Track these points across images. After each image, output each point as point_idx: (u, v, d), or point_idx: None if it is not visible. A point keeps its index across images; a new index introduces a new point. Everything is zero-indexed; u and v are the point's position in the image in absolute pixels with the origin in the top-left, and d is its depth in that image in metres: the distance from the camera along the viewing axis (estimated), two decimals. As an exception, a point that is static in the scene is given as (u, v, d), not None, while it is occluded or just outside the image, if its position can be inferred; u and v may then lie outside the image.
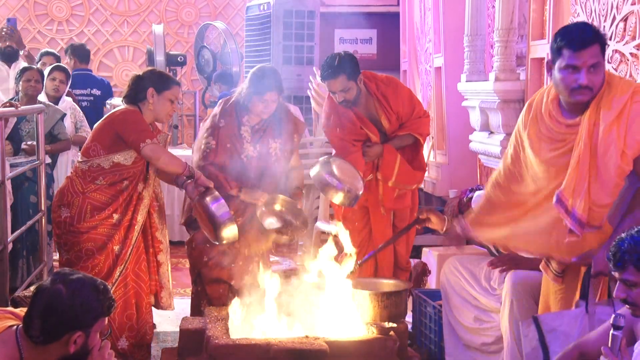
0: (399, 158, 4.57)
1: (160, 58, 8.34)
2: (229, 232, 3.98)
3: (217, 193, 3.99)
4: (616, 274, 2.52)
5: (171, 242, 7.43)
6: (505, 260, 3.67)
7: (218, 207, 3.95)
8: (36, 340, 2.42)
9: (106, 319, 2.51)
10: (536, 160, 3.01)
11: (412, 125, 4.61)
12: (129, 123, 3.98)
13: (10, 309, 2.66)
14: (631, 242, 2.46)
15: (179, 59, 8.82)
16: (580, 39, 2.83)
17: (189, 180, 3.99)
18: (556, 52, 2.89)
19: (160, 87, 4.06)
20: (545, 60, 3.00)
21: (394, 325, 3.61)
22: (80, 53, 7.62)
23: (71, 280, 2.45)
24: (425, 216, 3.63)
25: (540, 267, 3.20)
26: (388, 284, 4.05)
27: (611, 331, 2.44)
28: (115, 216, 4.03)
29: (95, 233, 4.00)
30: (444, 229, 3.59)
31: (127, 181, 4.05)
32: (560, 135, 2.95)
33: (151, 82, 4.06)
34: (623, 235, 2.50)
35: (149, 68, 4.49)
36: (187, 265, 6.69)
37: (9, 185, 4.80)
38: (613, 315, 2.47)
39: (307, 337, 3.51)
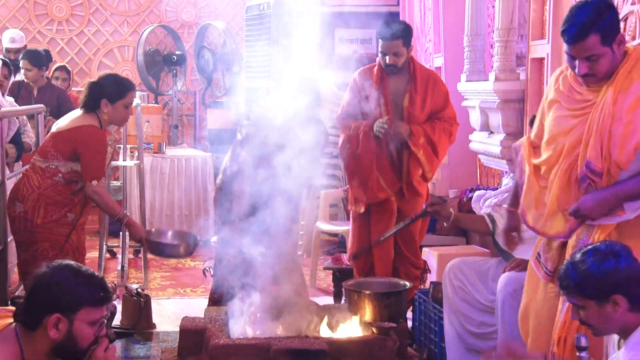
0: (424, 134, 4.58)
1: (140, 53, 8.74)
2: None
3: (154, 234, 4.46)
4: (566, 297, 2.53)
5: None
6: (519, 261, 3.67)
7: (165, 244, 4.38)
8: (21, 320, 2.40)
9: (100, 312, 2.41)
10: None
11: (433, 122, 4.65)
12: (90, 152, 4.08)
13: (11, 307, 2.66)
14: (569, 267, 2.42)
15: (172, 58, 8.82)
16: (572, 35, 2.75)
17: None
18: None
19: (113, 97, 4.15)
20: None
21: (394, 325, 3.61)
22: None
23: (58, 264, 2.45)
24: (433, 208, 3.89)
25: (531, 261, 3.14)
26: (388, 284, 4.05)
27: (577, 353, 2.43)
28: (70, 215, 4.12)
29: (52, 233, 4.05)
30: (451, 218, 3.86)
31: (82, 182, 4.13)
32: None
33: (104, 94, 4.14)
34: (571, 257, 2.46)
35: (105, 74, 4.43)
36: (187, 266, 6.75)
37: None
38: (575, 336, 2.46)
39: (307, 337, 3.51)
